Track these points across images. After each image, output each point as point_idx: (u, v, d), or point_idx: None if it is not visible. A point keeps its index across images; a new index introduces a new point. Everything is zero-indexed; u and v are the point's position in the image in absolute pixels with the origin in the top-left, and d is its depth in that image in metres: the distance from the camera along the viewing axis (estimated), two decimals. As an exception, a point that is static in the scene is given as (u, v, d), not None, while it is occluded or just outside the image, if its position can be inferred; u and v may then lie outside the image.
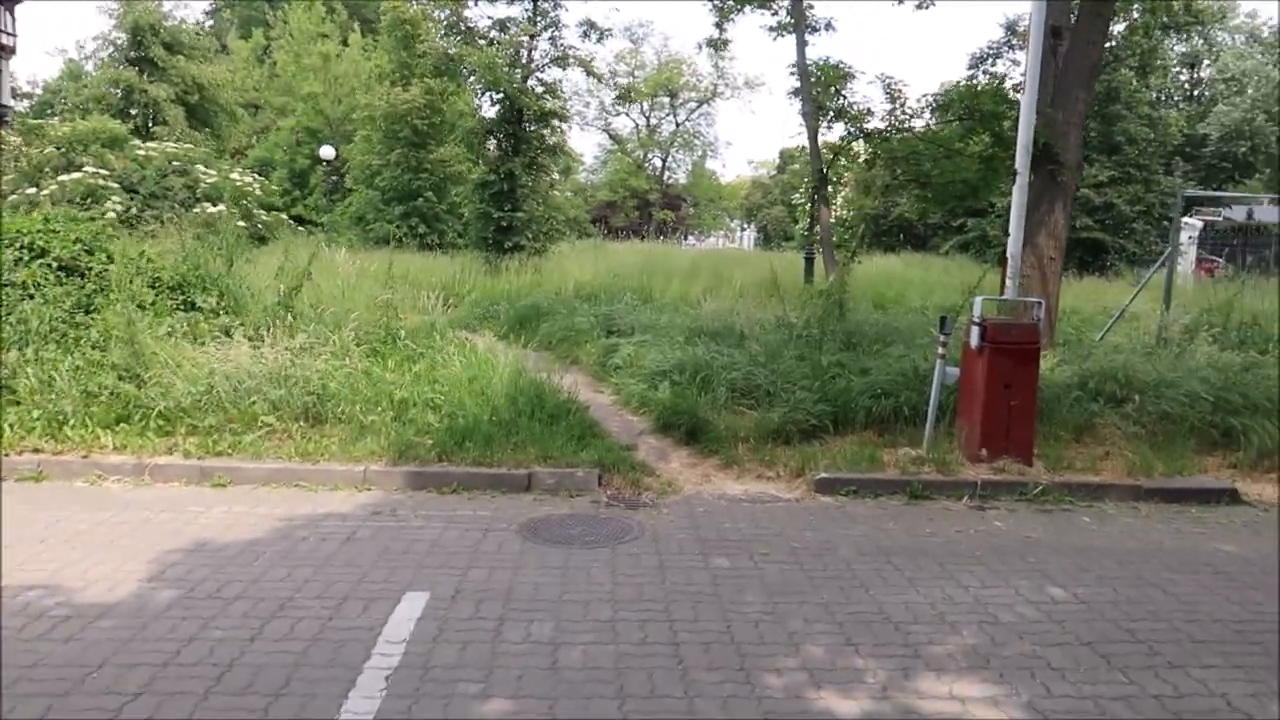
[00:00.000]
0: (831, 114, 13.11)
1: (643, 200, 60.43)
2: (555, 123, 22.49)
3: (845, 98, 13.10)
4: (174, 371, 8.13)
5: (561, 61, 21.49)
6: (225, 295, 10.25)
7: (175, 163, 22.18)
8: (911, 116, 13.19)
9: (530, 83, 21.35)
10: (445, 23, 21.29)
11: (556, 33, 21.63)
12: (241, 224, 21.34)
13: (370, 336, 10.05)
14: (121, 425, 7.66)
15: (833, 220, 31.84)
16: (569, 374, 11.26)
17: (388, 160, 26.92)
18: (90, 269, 9.98)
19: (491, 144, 21.31)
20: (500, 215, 21.19)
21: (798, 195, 44.45)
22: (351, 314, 10.78)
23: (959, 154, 12.24)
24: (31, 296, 9.20)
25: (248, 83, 48.45)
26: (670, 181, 66.08)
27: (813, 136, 11.87)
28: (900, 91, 13.19)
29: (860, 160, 13.52)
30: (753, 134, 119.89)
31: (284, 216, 26.81)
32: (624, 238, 48.51)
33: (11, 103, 51.74)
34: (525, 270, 19.47)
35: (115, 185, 20.41)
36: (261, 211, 24.38)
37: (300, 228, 37.59)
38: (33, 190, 20.15)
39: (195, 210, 21.10)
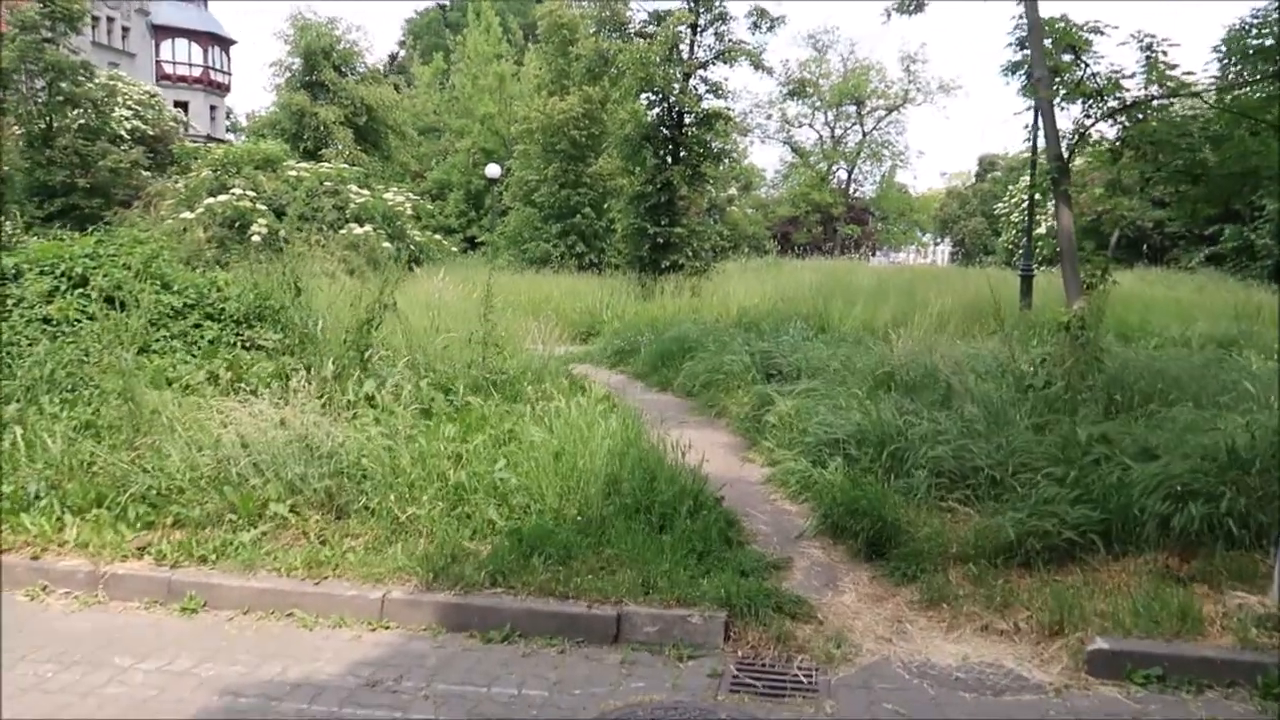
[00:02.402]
0: (1066, 88, 9.87)
1: (827, 215, 56.95)
2: (721, 126, 20.01)
3: (1086, 65, 9.86)
4: (175, 437, 6.17)
5: (727, 56, 19.01)
6: (289, 331, 8.37)
7: (326, 183, 21.32)
8: (1178, 88, 9.74)
9: (692, 82, 19.01)
10: (598, 18, 19.32)
11: (723, 26, 19.23)
12: (387, 245, 20.12)
13: (450, 382, 7.87)
14: (96, 511, 5.74)
15: (1044, 230, 27.58)
16: (709, 430, 8.71)
17: (545, 175, 25.33)
18: (138, 301, 8.35)
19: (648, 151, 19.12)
20: (656, 231, 18.90)
21: (1000, 205, 39.88)
22: (440, 348, 8.75)
23: (1260, 128, 8.77)
24: (56, 336, 7.60)
25: (427, 106, 49.02)
26: (856, 194, 62.15)
27: (1048, 111, 8.76)
28: (1163, 54, 9.79)
29: (1103, 147, 10.17)
30: (947, 142, 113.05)
31: (438, 237, 25.75)
32: (807, 254, 45.44)
33: (230, 137, 55.04)
34: (682, 292, 17.04)
35: (263, 207, 19.65)
36: (415, 232, 23.26)
37: (471, 249, 37.12)
38: (187, 214, 19.68)
39: (342, 231, 20.06)
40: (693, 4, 18.78)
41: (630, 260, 19.88)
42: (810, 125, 61.50)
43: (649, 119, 19.55)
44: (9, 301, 7.95)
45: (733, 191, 48.42)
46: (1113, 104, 9.97)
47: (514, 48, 47.83)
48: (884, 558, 5.51)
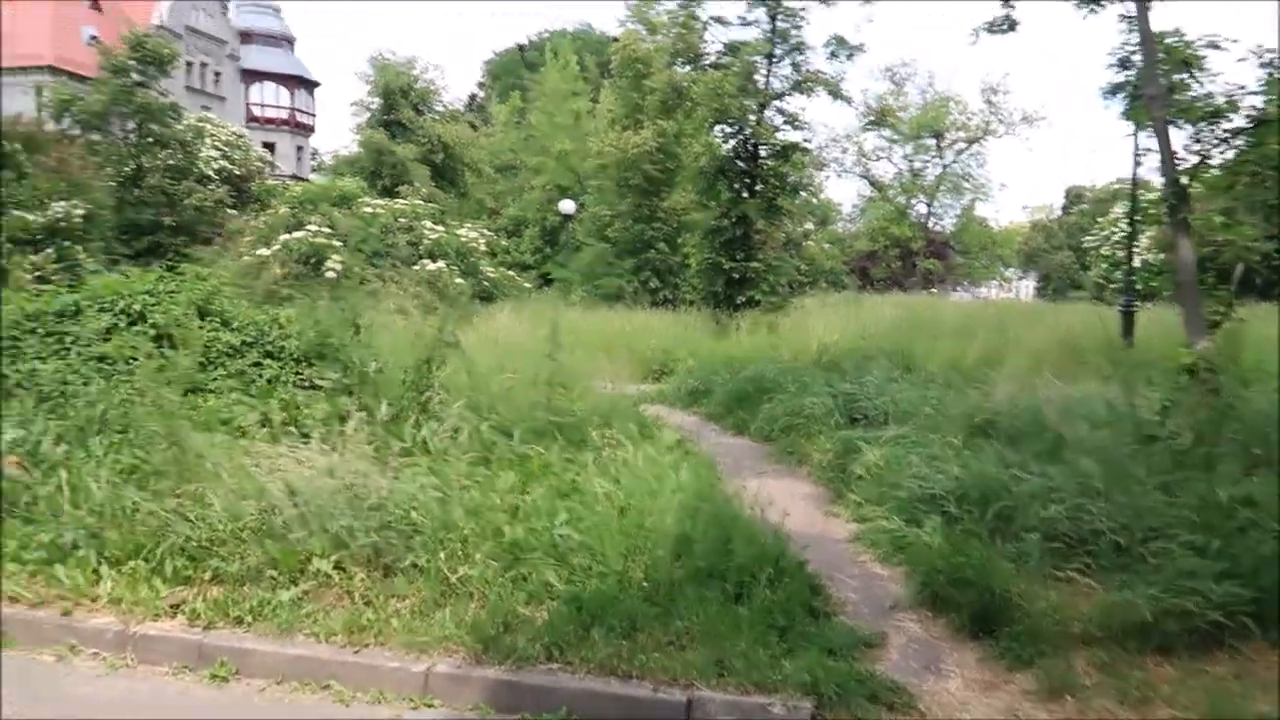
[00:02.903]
0: (1180, 108, 9.08)
1: (905, 249, 55.66)
2: (797, 158, 19.46)
3: (1199, 83, 9.10)
4: (219, 484, 5.82)
5: (804, 86, 18.48)
6: (348, 370, 8.04)
7: (401, 219, 21.38)
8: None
9: (768, 114, 18.53)
10: (672, 49, 19.01)
11: (799, 56, 18.75)
12: (460, 281, 20.01)
13: (513, 426, 7.42)
14: (133, 563, 5.40)
15: (1139, 264, 26.21)
16: (789, 480, 8.08)
17: (618, 210, 25.06)
18: (187, 340, 8.12)
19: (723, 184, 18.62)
20: (732, 266, 18.36)
21: (1090, 237, 38.31)
22: (504, 388, 8.34)
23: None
24: (110, 375, 7.39)
25: (504, 144, 49.58)
26: (936, 228, 60.70)
27: (1163, 131, 8.00)
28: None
29: (1214, 172, 9.33)
30: (1029, 175, 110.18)
31: (511, 273, 25.64)
32: (885, 289, 44.35)
33: (314, 176, 56.54)
34: (759, 329, 16.43)
35: (338, 243, 19.75)
36: (489, 268, 23.17)
37: (545, 286, 37.12)
38: (264, 251, 19.88)
39: (415, 267, 20.02)
40: (769, 34, 18.33)
41: (705, 296, 19.36)
42: (888, 158, 60.42)
43: (724, 151, 19.11)
44: (66, 339, 7.80)
45: (809, 226, 47.67)
46: (1232, 124, 9.16)
47: (590, 85, 48.12)
48: (993, 636, 4.81)
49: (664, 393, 13.04)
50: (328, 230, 19.58)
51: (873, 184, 61.14)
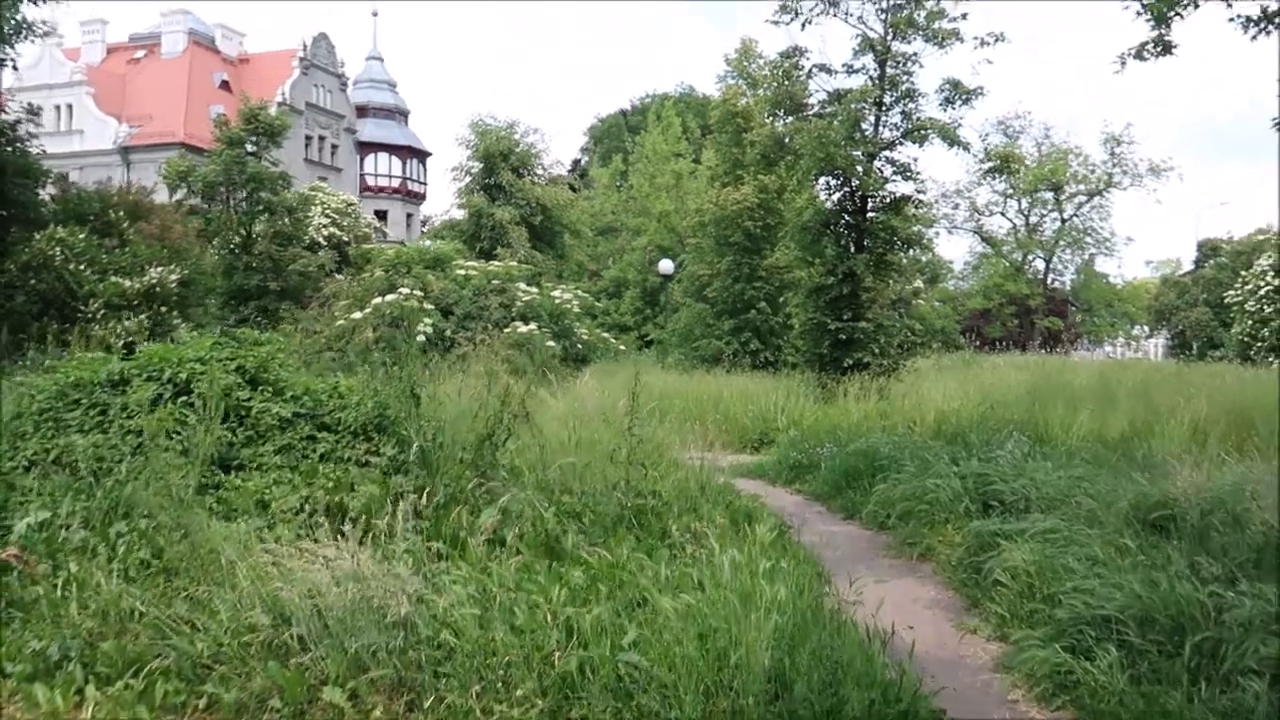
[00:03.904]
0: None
1: (1023, 306, 53.02)
2: (909, 210, 18.18)
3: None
4: (232, 586, 4.97)
5: (916, 134, 17.27)
6: (405, 445, 7.20)
7: (494, 281, 20.94)
8: None
9: (877, 164, 17.37)
10: (773, 99, 18.11)
11: (910, 104, 17.58)
12: (551, 344, 19.32)
13: (585, 510, 6.41)
14: (125, 680, 4.56)
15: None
16: (912, 582, 6.79)
17: (717, 269, 24.13)
18: (248, 408, 7.45)
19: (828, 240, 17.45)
20: (838, 326, 17.08)
21: (1232, 292, 35.33)
22: (580, 465, 7.38)
23: None
24: (148, 451, 6.72)
25: (605, 206, 49.66)
26: (1055, 284, 57.75)
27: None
28: None
29: None
30: (1155, 228, 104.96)
31: (606, 335, 24.91)
32: (1002, 349, 41.99)
33: (428, 243, 57.92)
34: (868, 395, 15.07)
35: (430, 306, 19.36)
36: (583, 330, 22.48)
37: (645, 348, 36.39)
38: (357, 314, 19.67)
39: (506, 330, 19.45)
40: (877, 80, 17.27)
41: (809, 358, 18.10)
42: (1002, 213, 58.17)
43: (829, 205, 18.02)
44: (110, 410, 7.21)
45: (919, 284, 45.84)
46: None
47: (692, 145, 47.88)
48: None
49: (763, 466, 11.85)
50: (420, 293, 19.25)
51: (986, 239, 58.81)
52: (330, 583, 4.87)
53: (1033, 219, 58.08)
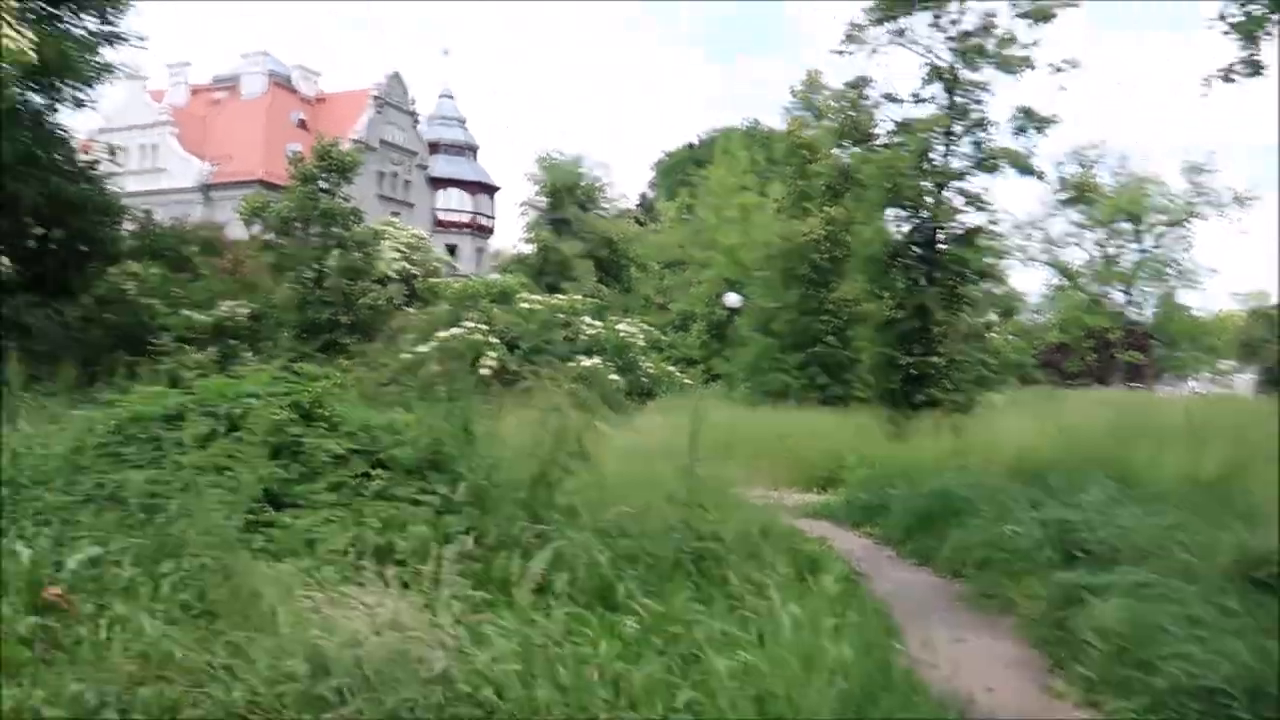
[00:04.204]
0: None
1: (1102, 340, 51.31)
2: (982, 241, 17.64)
3: None
4: (271, 631, 4.80)
5: (987, 164, 16.78)
6: (458, 484, 7.02)
7: (559, 315, 20.90)
8: None
9: (947, 194, 16.90)
10: (839, 129, 17.79)
11: (982, 133, 17.11)
12: (615, 377, 19.14)
13: (642, 554, 6.13)
14: (152, 735, 4.41)
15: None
16: (990, 637, 6.34)
17: (784, 303, 23.74)
18: (301, 444, 7.36)
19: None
20: (909, 361, 16.57)
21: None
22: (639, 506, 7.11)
23: None
24: (199, 489, 6.65)
25: (671, 240, 49.70)
26: (1136, 317, 55.83)
27: None
28: None
29: None
30: (1241, 258, 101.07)
31: (671, 369, 24.66)
32: (1080, 384, 40.60)
33: (496, 277, 58.72)
34: (941, 432, 14.50)
35: (495, 340, 19.38)
36: (648, 364, 22.27)
37: (712, 382, 36.08)
38: (422, 348, 19.79)
39: (570, 364, 19.35)
40: (947, 109, 16.84)
41: (879, 394, 17.57)
42: (1078, 244, 56.64)
43: (897, 236, 17.56)
44: (165, 444, 7.19)
45: (992, 316, 44.77)
46: None
47: (759, 178, 47.71)
48: None
49: (830, 506, 11.42)
50: (484, 327, 19.29)
51: (1062, 272, 57.25)
52: (370, 631, 4.68)
53: (1110, 250, 56.45)
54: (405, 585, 5.50)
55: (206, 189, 48.22)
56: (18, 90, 17.72)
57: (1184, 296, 57.54)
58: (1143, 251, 54.93)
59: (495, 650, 4.43)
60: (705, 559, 6.47)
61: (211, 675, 4.63)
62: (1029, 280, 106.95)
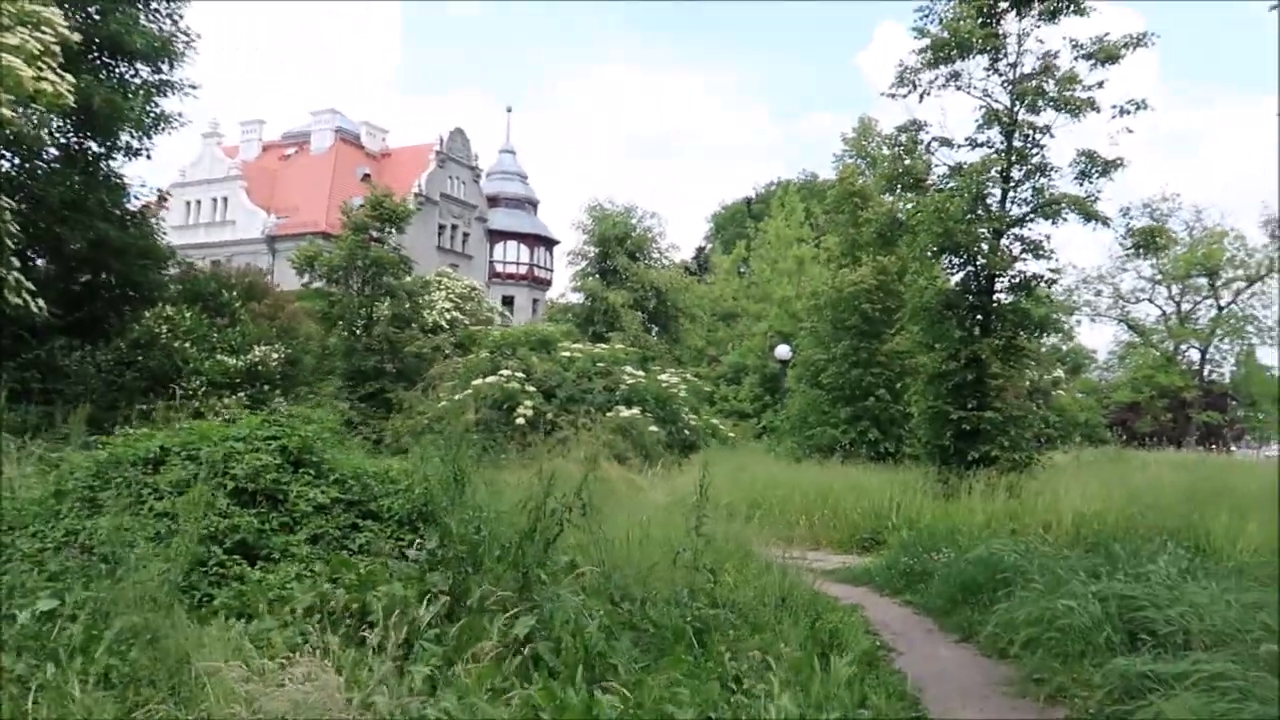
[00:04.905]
0: None
1: (1176, 400, 49.17)
2: (1042, 290, 16.72)
3: None
4: (199, 704, 4.25)
5: (1047, 210, 15.93)
6: (447, 539, 6.46)
7: (600, 364, 20.42)
8: None
9: (1005, 241, 16.07)
10: (890, 174, 17.11)
11: (1043, 178, 16.30)
12: (654, 429, 18.51)
13: (641, 622, 5.46)
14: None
15: None
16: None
17: (833, 354, 22.93)
18: (287, 490, 6.89)
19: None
20: (962, 416, 15.61)
21: None
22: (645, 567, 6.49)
23: None
24: (165, 539, 6.20)
25: (725, 292, 49.24)
26: (1213, 377, 53.50)
27: None
28: None
29: None
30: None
31: (715, 420, 23.92)
32: (1153, 445, 38.74)
33: (539, 325, 58.83)
34: (996, 493, 13.53)
35: (533, 388, 18.95)
36: (690, 415, 21.60)
37: (764, 435, 35.19)
38: (459, 396, 19.44)
39: (609, 414, 18.79)
40: (1004, 153, 16.09)
41: (930, 450, 16.62)
42: (1150, 300, 54.76)
43: (952, 285, 16.74)
44: (144, 491, 6.77)
45: (1059, 373, 43.16)
46: None
47: (815, 231, 47.22)
48: None
49: (870, 570, 10.56)
50: (521, 374, 18.89)
51: (1133, 328, 55.28)
52: (316, 705, 4.11)
53: (1185, 306, 54.46)
54: (379, 649, 4.97)
55: (272, 240, 49.32)
56: (74, 137, 18.10)
57: (1265, 355, 55.11)
58: (1220, 308, 52.86)
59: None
60: (710, 629, 5.78)
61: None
62: (1098, 337, 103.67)
